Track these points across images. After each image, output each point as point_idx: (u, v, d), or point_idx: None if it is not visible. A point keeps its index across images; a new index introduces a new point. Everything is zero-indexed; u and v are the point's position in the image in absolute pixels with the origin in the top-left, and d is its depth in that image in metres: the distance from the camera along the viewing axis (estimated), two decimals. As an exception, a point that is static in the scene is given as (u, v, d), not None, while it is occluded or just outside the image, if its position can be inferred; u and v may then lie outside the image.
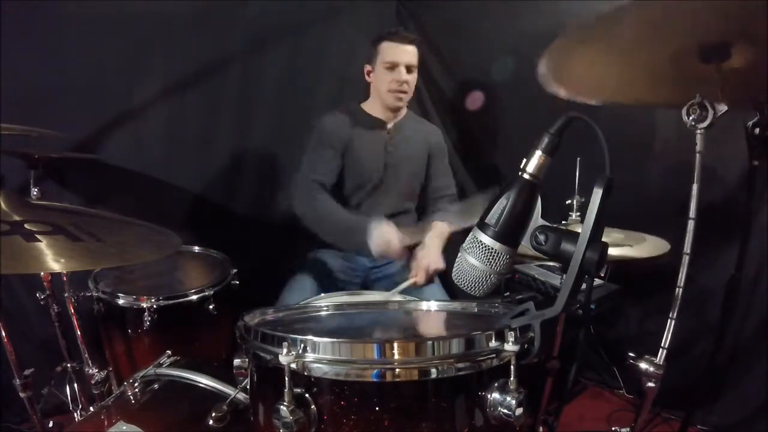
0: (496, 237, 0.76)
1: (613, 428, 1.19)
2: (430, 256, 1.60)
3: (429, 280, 1.60)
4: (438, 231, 1.69)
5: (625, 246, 1.38)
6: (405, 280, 1.58)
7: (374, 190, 1.80)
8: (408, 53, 1.71)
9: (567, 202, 1.54)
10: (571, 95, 1.10)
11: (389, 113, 1.81)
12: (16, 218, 0.89)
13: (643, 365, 1.00)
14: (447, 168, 1.93)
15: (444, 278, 1.70)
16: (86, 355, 1.52)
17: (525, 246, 0.79)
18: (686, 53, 0.92)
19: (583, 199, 1.53)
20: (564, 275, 0.72)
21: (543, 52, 0.99)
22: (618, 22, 0.89)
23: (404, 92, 1.73)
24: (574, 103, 1.11)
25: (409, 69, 1.71)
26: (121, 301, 1.42)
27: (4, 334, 1.29)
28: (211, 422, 0.94)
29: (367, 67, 1.79)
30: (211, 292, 1.49)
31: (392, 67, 1.70)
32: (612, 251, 0.79)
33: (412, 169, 1.84)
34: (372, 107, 1.82)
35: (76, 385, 1.62)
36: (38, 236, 0.85)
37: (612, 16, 0.87)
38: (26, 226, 0.87)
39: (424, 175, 1.88)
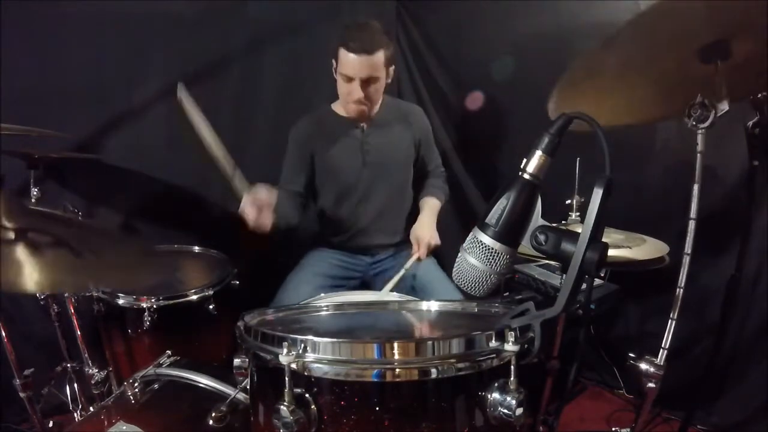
0: (496, 237, 0.76)
1: (613, 428, 1.19)
2: (425, 231, 1.67)
3: (429, 254, 1.66)
4: (429, 206, 1.78)
5: (624, 248, 1.38)
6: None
7: (352, 192, 1.75)
8: (365, 66, 1.52)
9: (567, 202, 1.54)
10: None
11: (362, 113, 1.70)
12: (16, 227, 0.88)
13: (643, 365, 1.00)
14: (432, 146, 1.91)
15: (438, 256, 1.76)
16: (86, 355, 1.52)
17: (525, 246, 0.79)
18: (686, 59, 0.92)
19: (582, 199, 1.53)
20: (564, 275, 0.72)
21: (552, 92, 1.00)
22: (620, 43, 0.89)
23: (364, 104, 1.60)
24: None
25: (368, 81, 1.55)
26: (121, 301, 1.43)
27: (4, 334, 1.29)
28: (211, 422, 0.94)
29: (334, 64, 1.61)
30: (211, 292, 1.49)
31: (348, 80, 1.56)
32: (611, 252, 0.80)
33: (398, 160, 1.79)
34: (342, 108, 1.72)
35: (76, 385, 1.62)
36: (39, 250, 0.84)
37: (613, 39, 0.87)
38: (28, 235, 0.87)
39: (414, 160, 1.84)
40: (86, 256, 0.89)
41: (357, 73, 1.53)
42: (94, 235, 1.03)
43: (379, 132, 1.75)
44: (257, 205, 1.39)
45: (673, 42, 0.90)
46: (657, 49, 0.92)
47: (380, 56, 1.54)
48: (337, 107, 1.77)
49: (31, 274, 0.80)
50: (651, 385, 1.00)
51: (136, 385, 1.07)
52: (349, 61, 1.52)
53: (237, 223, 1.45)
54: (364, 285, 1.81)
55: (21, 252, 0.82)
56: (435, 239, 1.66)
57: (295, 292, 1.60)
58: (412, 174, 1.86)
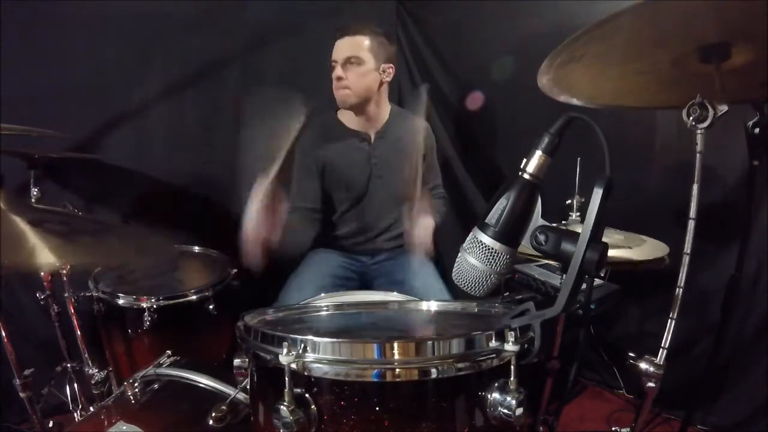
0: (496, 237, 0.76)
1: (613, 428, 1.18)
2: (424, 226, 1.61)
3: (427, 246, 1.60)
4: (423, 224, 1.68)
5: (624, 248, 1.38)
6: (402, 276, 1.59)
7: (358, 203, 1.76)
8: (344, 47, 1.60)
9: (567, 203, 1.54)
10: (572, 100, 1.10)
11: (367, 121, 1.72)
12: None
13: (643, 365, 1.00)
14: (434, 165, 1.90)
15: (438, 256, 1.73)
16: (86, 355, 1.52)
17: (525, 246, 0.79)
18: (686, 54, 0.92)
19: (583, 200, 1.53)
20: (564, 275, 0.72)
21: (542, 65, 0.98)
22: (617, 27, 0.89)
23: (344, 87, 1.62)
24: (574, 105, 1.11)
25: (347, 62, 1.60)
26: (121, 301, 1.43)
27: (4, 334, 1.29)
28: (211, 422, 0.94)
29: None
30: (211, 292, 1.49)
31: (334, 66, 1.63)
32: (611, 253, 0.80)
33: (404, 174, 1.75)
34: (349, 117, 1.74)
35: (76, 385, 1.62)
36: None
37: (610, 22, 0.87)
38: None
39: (419, 174, 1.79)
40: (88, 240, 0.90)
41: (337, 55, 1.62)
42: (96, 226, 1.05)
43: (386, 144, 1.75)
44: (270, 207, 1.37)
45: (673, 37, 0.90)
46: (657, 39, 0.91)
47: (362, 39, 1.61)
48: (342, 116, 1.77)
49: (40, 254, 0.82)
50: (651, 384, 1.00)
51: (136, 385, 1.07)
52: (335, 46, 1.63)
53: (236, 224, 1.45)
54: (364, 285, 1.81)
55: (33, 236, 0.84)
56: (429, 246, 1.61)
57: (299, 292, 1.60)
58: (415, 189, 1.83)
